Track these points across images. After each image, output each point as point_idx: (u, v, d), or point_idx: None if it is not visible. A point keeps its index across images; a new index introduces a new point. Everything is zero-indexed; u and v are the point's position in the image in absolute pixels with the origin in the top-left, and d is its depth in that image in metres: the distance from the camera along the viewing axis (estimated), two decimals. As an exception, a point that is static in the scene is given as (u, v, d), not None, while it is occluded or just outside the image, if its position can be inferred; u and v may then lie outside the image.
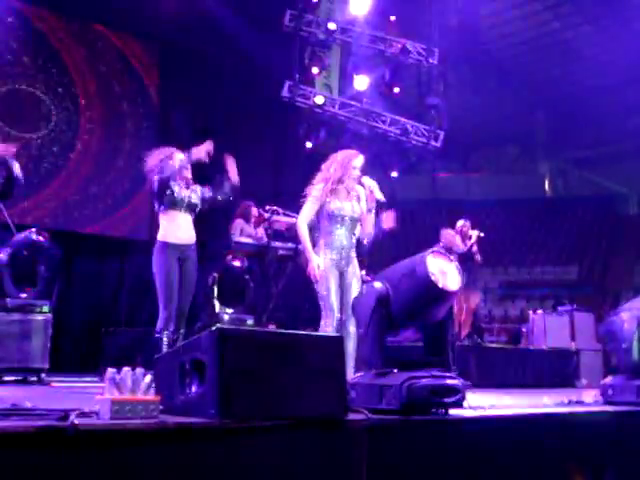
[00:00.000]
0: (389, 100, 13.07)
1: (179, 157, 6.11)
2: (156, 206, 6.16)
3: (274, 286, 8.34)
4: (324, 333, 4.86)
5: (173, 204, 6.07)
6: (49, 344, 6.99)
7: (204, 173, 6.50)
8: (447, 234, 9.85)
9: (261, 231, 8.89)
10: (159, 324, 5.87)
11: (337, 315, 5.22)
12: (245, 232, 8.72)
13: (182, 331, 5.99)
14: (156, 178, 6.03)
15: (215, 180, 6.44)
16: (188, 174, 6.20)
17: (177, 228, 6.07)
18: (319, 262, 5.42)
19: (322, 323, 5.23)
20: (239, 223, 8.82)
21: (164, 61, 12.02)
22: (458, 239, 10.11)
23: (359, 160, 5.72)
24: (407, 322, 3.75)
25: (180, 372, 3.13)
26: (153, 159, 6.15)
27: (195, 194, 6.22)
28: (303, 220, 5.59)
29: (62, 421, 2.60)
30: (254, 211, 8.89)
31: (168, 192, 6.04)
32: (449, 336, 3.87)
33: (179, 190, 6.10)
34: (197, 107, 11.97)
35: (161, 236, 6.05)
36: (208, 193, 6.32)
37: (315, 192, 5.62)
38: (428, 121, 12.90)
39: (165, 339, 5.78)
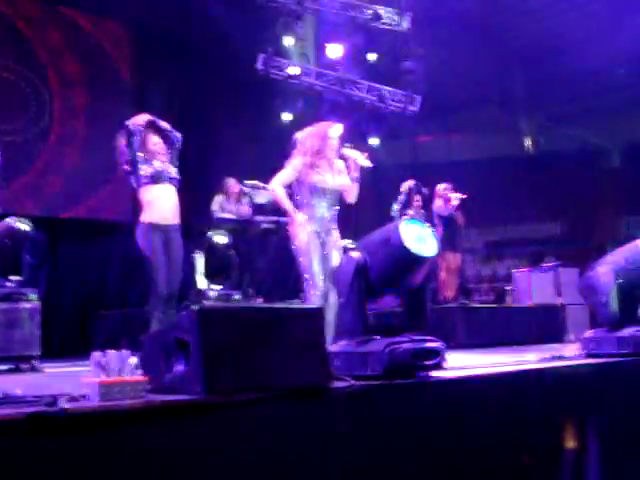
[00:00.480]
0: (365, 67, 13.06)
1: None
2: (132, 180, 6.10)
3: (259, 260, 8.42)
4: (304, 305, 4.95)
5: (155, 177, 6.02)
6: (39, 331, 7.03)
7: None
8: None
9: (245, 208, 8.95)
10: (151, 303, 5.89)
11: (321, 285, 5.31)
12: (226, 208, 8.78)
13: (173, 311, 6.01)
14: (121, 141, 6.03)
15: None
16: (163, 157, 6.15)
17: (161, 206, 6.02)
18: (302, 219, 5.48)
19: (306, 296, 5.32)
20: (219, 199, 8.87)
21: (136, 41, 11.97)
22: (440, 201, 10.20)
23: (335, 130, 5.76)
24: (386, 289, 3.82)
25: (165, 351, 3.19)
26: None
27: (172, 166, 6.19)
28: (277, 183, 5.63)
29: (51, 406, 2.66)
30: (233, 187, 8.93)
31: (146, 167, 6.00)
32: (427, 300, 3.95)
33: (158, 164, 6.07)
34: (172, 86, 11.95)
35: (144, 216, 6.01)
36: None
37: (295, 162, 5.66)
38: (405, 86, 12.91)
39: (156, 318, 5.81)
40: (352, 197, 5.83)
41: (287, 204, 5.61)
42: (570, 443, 4.12)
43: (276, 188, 5.66)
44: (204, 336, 2.93)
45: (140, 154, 6.03)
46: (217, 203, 8.82)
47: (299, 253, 5.51)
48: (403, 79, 13.15)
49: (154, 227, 5.95)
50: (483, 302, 12.21)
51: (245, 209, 8.88)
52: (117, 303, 10.52)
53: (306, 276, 5.45)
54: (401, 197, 9.74)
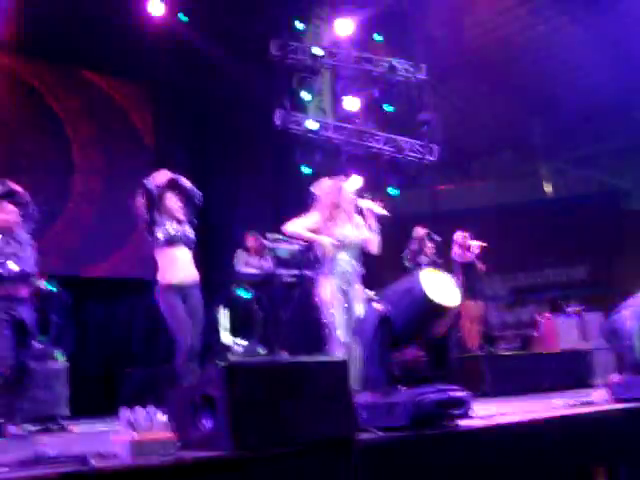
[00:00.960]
0: (382, 119, 13.18)
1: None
2: (150, 240, 6.14)
3: (283, 313, 8.43)
4: (329, 358, 4.95)
5: (170, 241, 6.06)
6: (67, 391, 7.07)
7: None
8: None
9: (267, 262, 9.00)
10: (179, 360, 5.87)
11: (343, 338, 5.32)
12: (250, 263, 8.82)
13: (196, 367, 5.97)
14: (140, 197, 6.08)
15: None
16: (180, 214, 6.19)
17: (177, 267, 6.04)
18: (327, 240, 5.51)
19: (329, 347, 5.33)
20: (241, 255, 8.92)
21: (156, 101, 12.18)
22: (459, 249, 10.19)
23: (350, 184, 5.85)
24: (409, 340, 3.84)
25: (192, 407, 3.22)
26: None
27: (189, 226, 6.23)
28: (292, 224, 5.68)
29: (82, 465, 2.70)
30: (254, 241, 8.99)
31: (162, 230, 6.04)
32: (451, 349, 3.97)
33: (173, 225, 6.10)
34: (192, 144, 12.12)
35: (162, 277, 6.02)
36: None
37: (314, 216, 5.72)
38: (422, 136, 13.01)
39: (184, 375, 5.80)
40: (375, 247, 5.86)
41: (308, 234, 5.67)
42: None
43: (291, 227, 5.72)
44: (230, 392, 2.96)
45: (157, 216, 6.07)
46: (240, 258, 8.88)
47: (322, 306, 5.54)
48: (420, 129, 13.25)
49: (171, 288, 5.95)
50: (509, 349, 12.09)
51: (268, 263, 8.93)
52: (142, 360, 10.56)
53: (328, 329, 5.46)
54: (413, 245, 9.75)
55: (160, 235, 5.99)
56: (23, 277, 5.86)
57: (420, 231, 9.86)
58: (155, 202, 6.01)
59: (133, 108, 11.98)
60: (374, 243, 5.84)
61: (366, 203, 5.90)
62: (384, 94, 13.15)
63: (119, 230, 11.20)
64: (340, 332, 5.37)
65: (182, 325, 5.88)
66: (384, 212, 5.86)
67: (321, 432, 3.15)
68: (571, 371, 9.65)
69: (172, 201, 6.15)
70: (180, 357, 5.85)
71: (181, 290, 5.97)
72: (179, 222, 6.13)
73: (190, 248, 6.16)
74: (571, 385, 8.84)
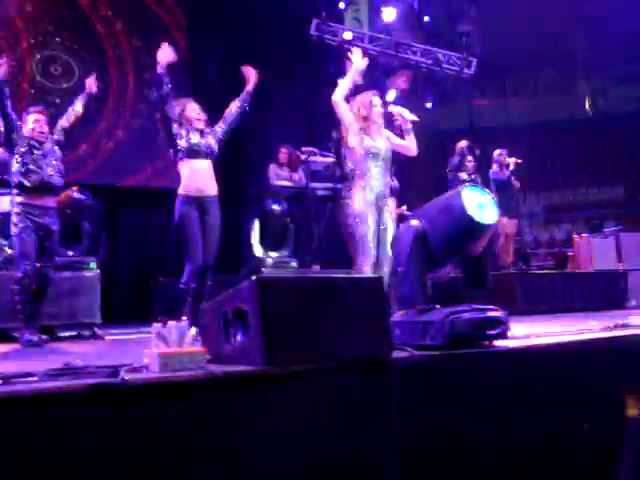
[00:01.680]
0: (419, 30, 12.83)
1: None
2: (171, 153, 6.06)
3: (316, 227, 8.38)
4: (364, 274, 4.89)
5: (190, 153, 5.93)
6: (99, 299, 7.13)
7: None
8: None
9: (298, 174, 8.91)
10: (184, 277, 5.84)
11: (373, 253, 5.26)
12: (280, 176, 8.74)
13: (209, 283, 5.95)
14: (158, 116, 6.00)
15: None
16: (200, 124, 6.07)
17: (197, 179, 5.95)
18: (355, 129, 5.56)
19: (358, 262, 5.27)
20: (273, 168, 8.83)
21: (191, 6, 11.92)
22: (495, 166, 10.05)
23: (377, 99, 5.80)
24: (446, 258, 3.75)
25: (224, 322, 3.18)
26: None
27: (212, 137, 6.11)
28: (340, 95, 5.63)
29: (112, 377, 2.67)
30: (287, 154, 8.88)
31: (183, 141, 5.94)
32: (488, 269, 3.88)
33: (195, 137, 5.99)
34: (226, 52, 11.89)
35: (182, 188, 5.94)
36: (233, 110, 6.24)
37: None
38: (460, 49, 12.66)
39: (192, 290, 5.77)
40: (412, 149, 5.81)
41: (348, 117, 5.65)
42: (633, 411, 4.02)
43: (337, 100, 5.67)
44: (263, 306, 2.90)
45: (177, 128, 5.97)
46: (272, 171, 8.79)
47: (354, 219, 5.47)
48: (458, 42, 12.88)
49: (189, 199, 5.87)
50: (542, 268, 12.00)
51: (302, 176, 8.84)
52: (176, 270, 10.61)
53: (360, 242, 5.40)
54: (454, 158, 9.59)
55: (180, 147, 5.91)
56: (46, 187, 5.83)
57: (461, 143, 9.71)
58: (168, 117, 5.90)
59: (169, 16, 11.74)
60: (410, 146, 5.79)
61: (396, 108, 5.85)
62: (422, 4, 12.76)
63: (152, 142, 11.13)
64: (372, 245, 5.30)
65: (194, 242, 5.81)
66: (414, 117, 5.79)
67: (355, 350, 3.09)
68: (605, 292, 9.56)
69: (193, 112, 6.04)
70: (186, 275, 5.81)
71: (199, 203, 5.89)
72: (201, 133, 6.01)
73: (212, 159, 6.05)
74: (605, 306, 8.77)
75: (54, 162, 5.94)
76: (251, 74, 6.30)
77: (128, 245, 10.82)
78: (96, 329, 6.94)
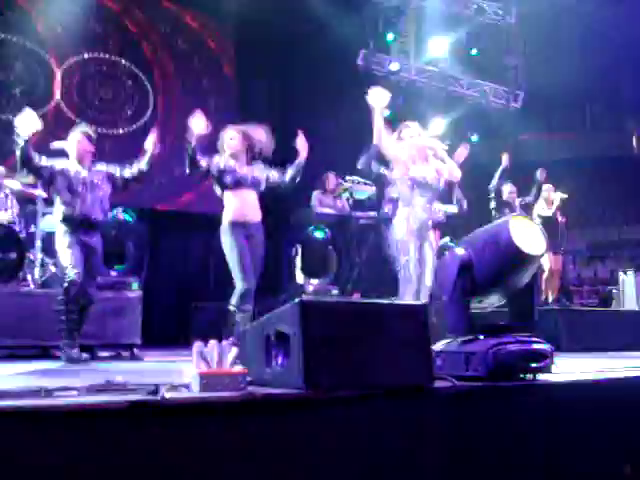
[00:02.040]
0: (467, 63, 12.83)
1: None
2: (218, 190, 6.06)
3: (357, 256, 8.37)
4: (407, 302, 4.86)
5: (237, 183, 5.91)
6: (140, 320, 7.17)
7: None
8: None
9: (341, 202, 8.91)
10: (234, 299, 5.82)
11: (415, 282, 5.22)
12: (324, 203, 8.74)
13: (251, 307, 5.88)
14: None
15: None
16: (242, 155, 6.05)
17: (243, 206, 5.92)
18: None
19: (400, 291, 5.24)
20: (317, 194, 8.84)
21: (239, 37, 12.04)
22: (541, 201, 9.98)
23: (408, 130, 5.82)
24: (491, 288, 3.70)
25: (266, 344, 3.16)
26: None
27: (258, 170, 6.08)
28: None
29: (153, 395, 2.66)
30: (332, 181, 8.89)
31: (229, 173, 5.93)
32: (535, 301, 3.82)
33: (240, 168, 5.99)
34: (273, 81, 12.00)
35: (227, 215, 5.92)
36: (274, 177, 6.17)
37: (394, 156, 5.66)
38: (508, 83, 12.64)
39: (240, 314, 5.76)
40: (455, 173, 5.83)
41: (393, 151, 5.63)
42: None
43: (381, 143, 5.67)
44: (306, 329, 2.88)
45: (217, 159, 5.97)
46: (316, 198, 8.80)
47: (397, 248, 5.46)
48: (505, 75, 12.86)
49: (236, 224, 5.86)
50: (585, 305, 11.84)
51: (344, 204, 8.83)
52: (215, 295, 10.64)
53: (401, 272, 5.38)
54: (501, 199, 9.56)
55: (225, 180, 5.90)
56: (86, 221, 5.90)
57: (510, 188, 9.70)
58: (196, 161, 5.89)
59: (218, 46, 11.87)
60: (453, 170, 5.82)
61: (430, 142, 5.84)
62: (471, 37, 12.76)
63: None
64: (414, 275, 5.27)
65: (241, 267, 5.78)
66: (445, 155, 5.79)
67: (396, 378, 3.05)
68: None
69: (230, 136, 6.03)
70: (234, 298, 5.79)
71: (245, 228, 5.88)
72: (241, 163, 5.99)
73: (257, 189, 6.04)
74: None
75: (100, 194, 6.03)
76: (302, 146, 6.27)
77: (168, 268, 10.87)
78: (136, 350, 6.96)
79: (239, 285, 5.78)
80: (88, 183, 5.96)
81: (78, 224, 5.84)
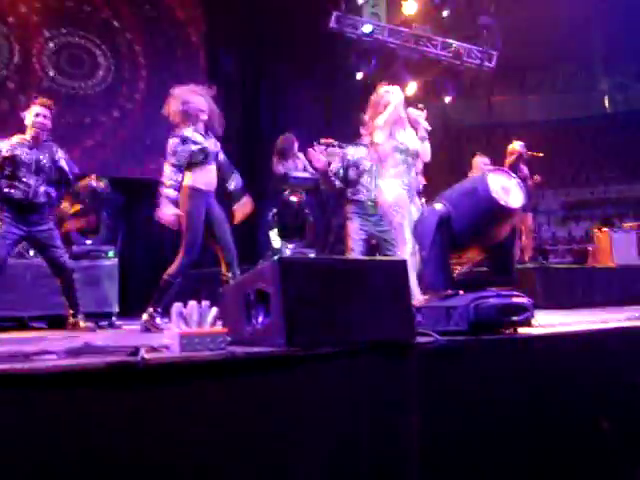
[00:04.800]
0: (439, 23, 12.73)
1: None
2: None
3: (334, 219, 8.33)
4: (387, 257, 4.82)
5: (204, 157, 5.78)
6: (117, 288, 7.10)
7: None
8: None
9: (301, 162, 8.82)
10: (176, 269, 5.75)
11: (411, 241, 5.07)
12: (298, 167, 8.66)
13: (238, 272, 5.75)
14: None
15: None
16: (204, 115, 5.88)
17: (206, 176, 5.77)
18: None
19: (398, 252, 5.14)
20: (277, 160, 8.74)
21: (209, 3, 11.83)
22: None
23: (384, 89, 5.75)
24: (470, 242, 3.68)
25: (245, 303, 3.14)
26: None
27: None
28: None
29: (133, 356, 2.63)
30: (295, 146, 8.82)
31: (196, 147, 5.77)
32: (513, 256, 3.82)
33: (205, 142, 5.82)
34: (244, 45, 11.84)
35: (191, 181, 5.72)
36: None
37: (379, 121, 5.57)
38: (481, 43, 12.58)
39: (175, 286, 5.69)
40: (426, 155, 5.77)
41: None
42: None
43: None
44: (285, 287, 2.85)
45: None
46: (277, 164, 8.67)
47: (387, 209, 5.38)
48: (478, 36, 12.79)
49: (200, 192, 5.72)
50: (560, 263, 11.91)
51: (303, 165, 8.75)
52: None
53: (396, 233, 5.29)
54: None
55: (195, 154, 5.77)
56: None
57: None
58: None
59: (186, 13, 11.65)
60: (426, 151, 5.74)
61: (415, 113, 5.77)
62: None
63: (161, 136, 11.04)
64: (407, 234, 5.16)
65: (193, 237, 5.66)
66: (427, 126, 5.73)
67: (377, 334, 3.04)
68: (625, 288, 9.45)
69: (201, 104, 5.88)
70: (176, 268, 5.71)
71: (206, 198, 5.76)
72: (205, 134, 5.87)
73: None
74: (625, 302, 8.66)
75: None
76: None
77: (144, 238, 10.76)
78: (114, 319, 6.91)
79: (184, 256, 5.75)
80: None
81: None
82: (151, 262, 10.69)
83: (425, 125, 5.75)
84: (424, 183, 6.63)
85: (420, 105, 5.97)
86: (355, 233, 6.37)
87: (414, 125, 5.77)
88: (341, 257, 3.97)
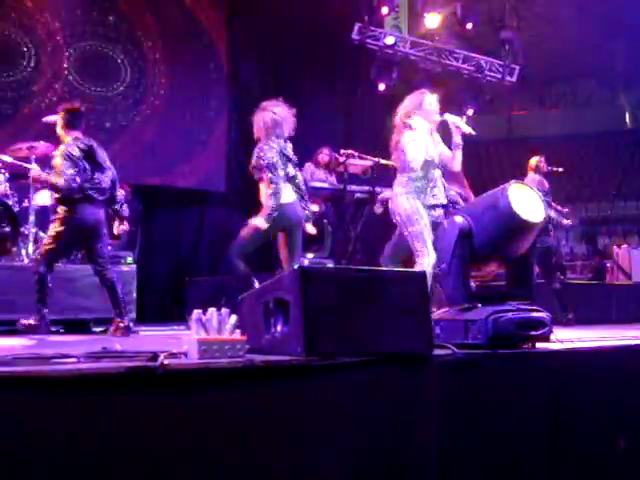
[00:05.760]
0: (461, 37, 12.74)
1: None
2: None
3: (352, 230, 8.32)
4: (406, 269, 4.74)
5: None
6: (135, 294, 7.12)
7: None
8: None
9: (333, 177, 8.86)
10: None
11: (433, 254, 4.86)
12: (316, 176, 8.67)
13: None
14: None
15: None
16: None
17: None
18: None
19: (419, 262, 4.96)
20: (309, 167, 8.77)
21: (231, 13, 11.88)
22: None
23: (430, 98, 5.56)
24: (490, 256, 3.68)
25: (265, 312, 3.14)
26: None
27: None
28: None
29: (152, 362, 2.64)
30: (322, 156, 8.83)
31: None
32: (533, 269, 3.81)
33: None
34: (266, 57, 11.89)
35: None
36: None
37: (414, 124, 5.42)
38: (503, 56, 12.57)
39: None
40: (456, 164, 5.51)
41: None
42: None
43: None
44: (305, 296, 2.86)
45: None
46: (308, 171, 8.71)
47: (406, 220, 5.22)
48: (500, 49, 12.78)
49: None
50: (578, 279, 11.86)
51: (334, 179, 8.77)
52: (208, 270, 10.61)
53: (417, 245, 5.11)
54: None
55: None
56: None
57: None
58: None
59: (209, 22, 11.69)
60: (456, 159, 5.50)
61: (452, 118, 5.52)
62: (465, 11, 12.63)
63: (193, 141, 11.11)
64: (429, 246, 5.00)
65: None
66: (470, 130, 5.46)
67: (395, 346, 3.04)
68: (644, 304, 9.39)
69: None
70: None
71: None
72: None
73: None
74: (642, 319, 8.61)
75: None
76: None
77: (162, 244, 10.80)
78: (131, 324, 6.92)
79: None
80: None
81: None
82: (168, 268, 10.76)
83: (468, 130, 5.41)
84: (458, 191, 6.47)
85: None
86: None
87: (451, 131, 5.48)
88: (360, 267, 3.91)
